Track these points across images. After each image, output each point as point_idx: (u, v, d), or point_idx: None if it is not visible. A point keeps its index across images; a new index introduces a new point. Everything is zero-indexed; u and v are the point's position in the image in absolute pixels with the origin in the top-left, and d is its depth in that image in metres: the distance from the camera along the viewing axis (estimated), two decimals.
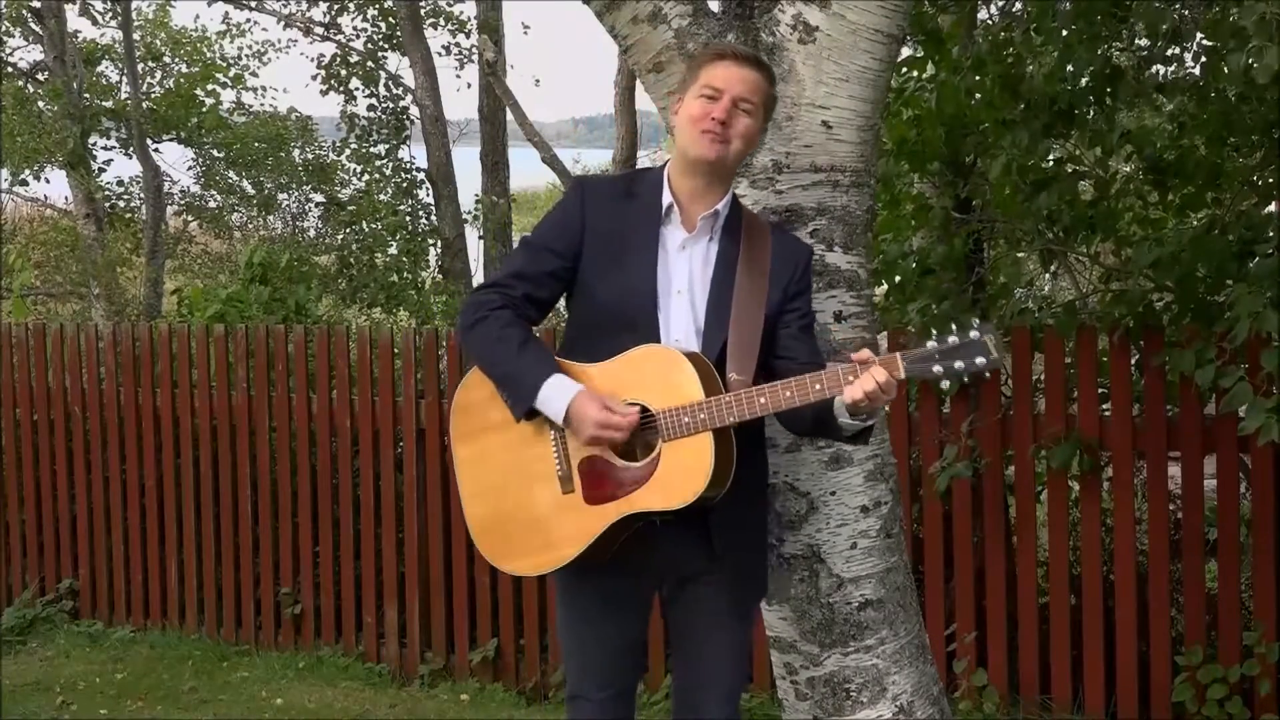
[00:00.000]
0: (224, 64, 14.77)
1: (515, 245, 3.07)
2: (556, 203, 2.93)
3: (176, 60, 14.99)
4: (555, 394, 2.66)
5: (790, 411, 2.65)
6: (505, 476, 2.79)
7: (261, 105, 14.91)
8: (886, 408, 2.79)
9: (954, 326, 2.58)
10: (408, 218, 13.04)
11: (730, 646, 2.87)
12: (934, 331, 2.65)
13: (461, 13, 13.93)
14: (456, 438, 2.87)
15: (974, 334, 2.55)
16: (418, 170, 13.21)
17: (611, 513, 2.68)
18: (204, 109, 14.19)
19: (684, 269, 2.77)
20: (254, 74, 14.86)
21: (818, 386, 2.59)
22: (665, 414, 2.64)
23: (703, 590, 2.82)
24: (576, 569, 2.75)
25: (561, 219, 2.83)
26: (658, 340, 2.72)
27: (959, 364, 2.56)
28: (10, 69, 13.51)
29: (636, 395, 2.66)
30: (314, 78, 13.51)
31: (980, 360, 2.55)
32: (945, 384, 2.66)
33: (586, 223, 2.78)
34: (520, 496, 2.77)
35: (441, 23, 13.84)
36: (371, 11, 13.42)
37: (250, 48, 14.91)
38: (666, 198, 2.78)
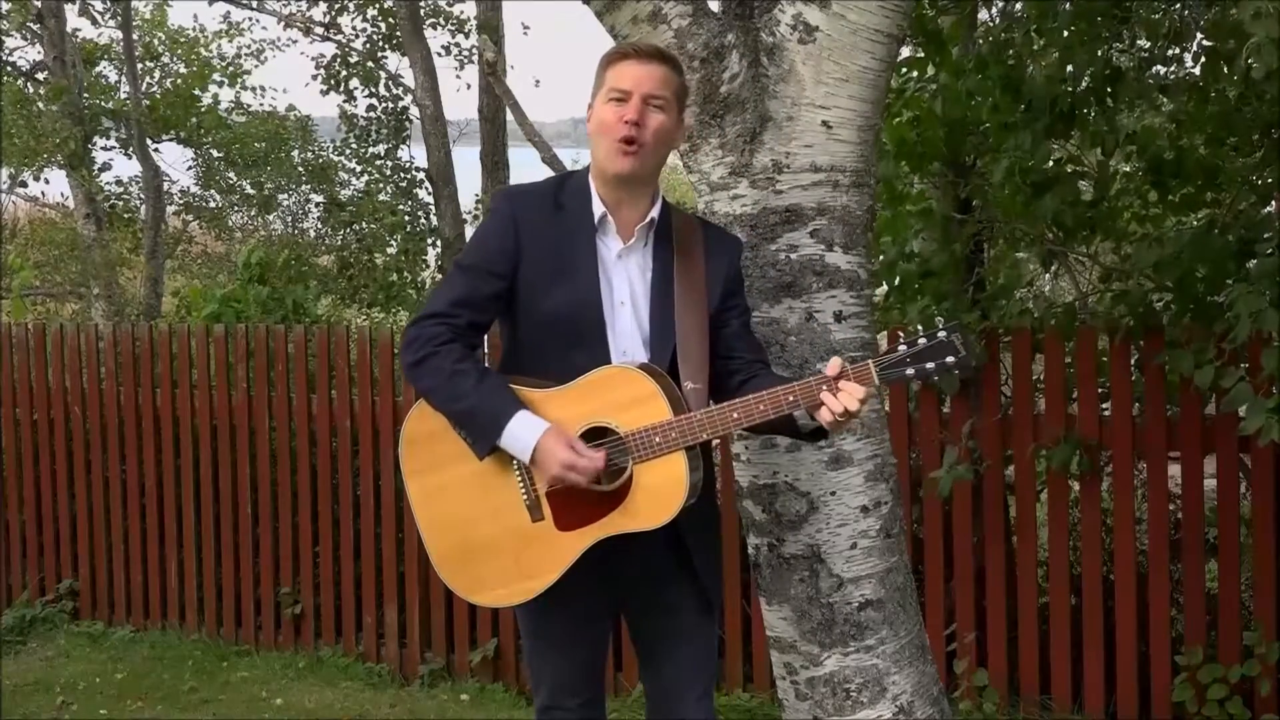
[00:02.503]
0: (222, 63, 14.77)
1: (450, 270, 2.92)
2: (484, 220, 2.77)
3: (175, 60, 14.99)
4: (523, 431, 2.57)
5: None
6: (467, 508, 2.70)
7: (261, 105, 14.93)
8: (886, 406, 2.78)
9: (920, 328, 2.60)
10: (407, 217, 13.05)
11: (706, 645, 2.87)
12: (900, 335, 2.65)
13: (461, 13, 13.96)
14: (409, 472, 2.77)
15: (942, 334, 2.57)
16: (418, 170, 13.21)
17: (587, 538, 2.63)
18: (203, 109, 14.19)
19: (624, 279, 2.71)
20: (247, 73, 14.87)
21: (791, 399, 2.56)
22: (634, 435, 2.59)
23: (674, 592, 2.80)
24: (544, 595, 2.69)
25: (496, 238, 2.69)
26: (606, 353, 2.67)
27: (930, 364, 2.57)
28: (10, 69, 13.50)
29: (603, 418, 2.62)
30: (314, 77, 13.53)
31: (950, 359, 2.57)
32: (916, 385, 2.68)
33: (521, 239, 2.67)
34: (486, 528, 2.69)
35: (441, 23, 13.85)
36: (371, 11, 13.43)
37: (249, 46, 14.95)
38: (598, 208, 2.70)
